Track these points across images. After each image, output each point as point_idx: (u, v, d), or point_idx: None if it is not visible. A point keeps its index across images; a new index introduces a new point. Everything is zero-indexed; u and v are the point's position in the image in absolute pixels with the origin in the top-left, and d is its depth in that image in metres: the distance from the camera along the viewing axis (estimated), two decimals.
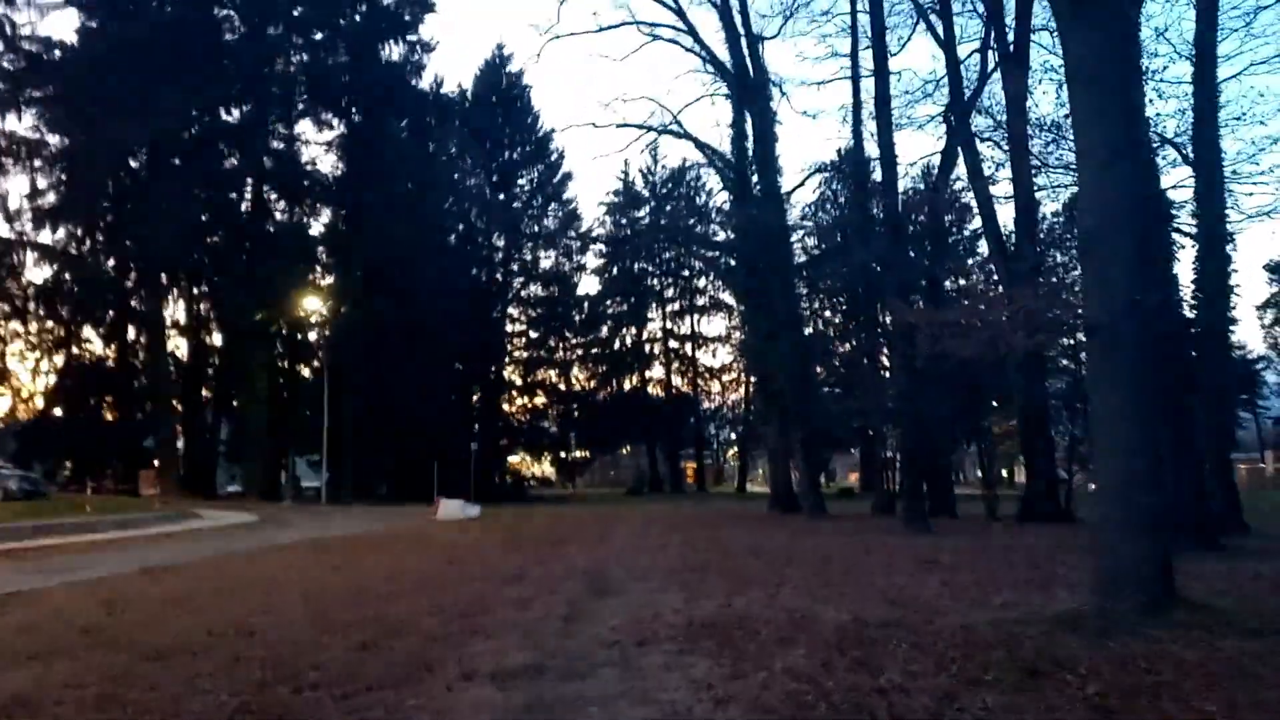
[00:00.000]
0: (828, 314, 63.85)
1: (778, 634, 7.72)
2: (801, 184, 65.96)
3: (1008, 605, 9.08)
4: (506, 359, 64.53)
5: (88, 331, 49.60)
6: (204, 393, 53.19)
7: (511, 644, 7.57)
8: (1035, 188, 22.22)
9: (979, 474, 57.07)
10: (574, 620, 8.81)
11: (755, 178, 30.88)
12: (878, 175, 26.72)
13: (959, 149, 25.80)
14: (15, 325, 47.20)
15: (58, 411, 48.37)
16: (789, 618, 8.54)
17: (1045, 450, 24.17)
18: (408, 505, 39.09)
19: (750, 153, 30.78)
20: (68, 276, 47.67)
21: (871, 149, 26.99)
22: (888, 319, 28.81)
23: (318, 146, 52.09)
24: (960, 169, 27.05)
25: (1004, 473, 61.80)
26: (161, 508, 32.33)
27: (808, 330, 38.49)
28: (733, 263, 52.30)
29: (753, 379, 65.66)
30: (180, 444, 50.28)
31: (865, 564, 13.63)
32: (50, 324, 48.18)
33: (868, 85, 26.05)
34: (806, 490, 28.91)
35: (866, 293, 32.35)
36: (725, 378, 72.82)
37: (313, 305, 47.83)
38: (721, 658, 6.89)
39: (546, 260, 66.10)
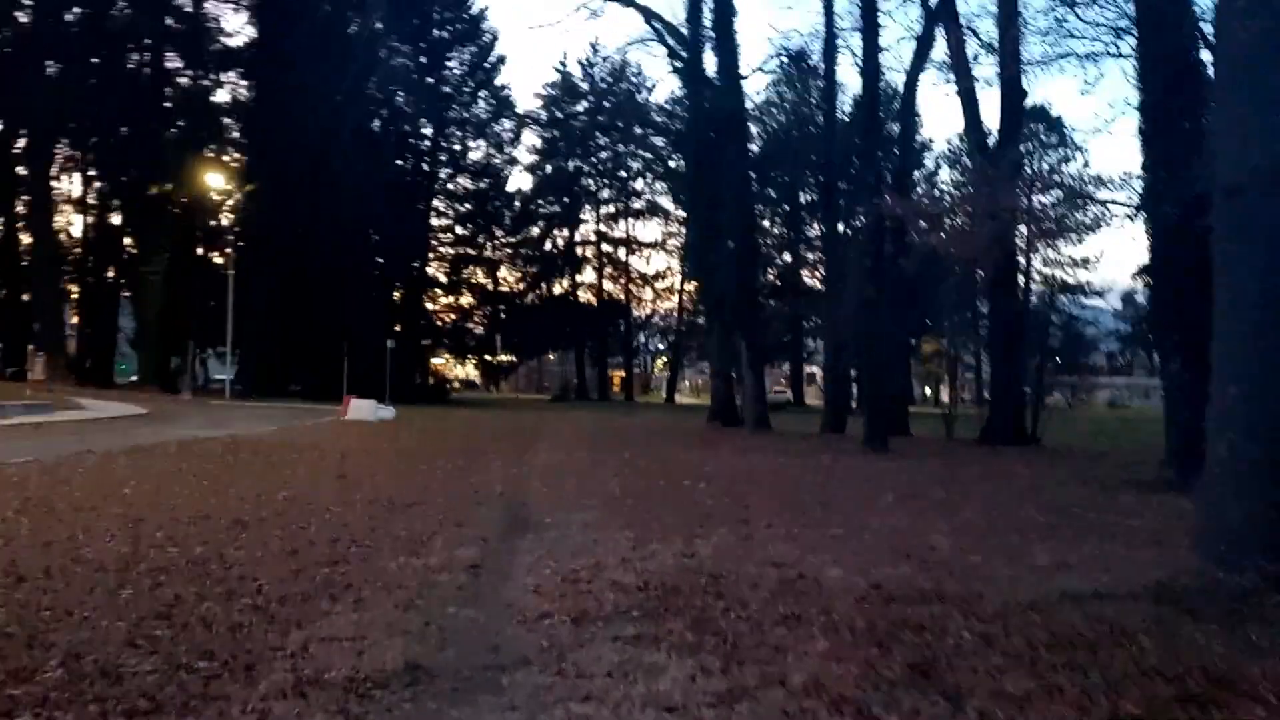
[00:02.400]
0: (766, 224, 61.83)
1: (774, 608, 5.39)
2: (761, 68, 62.10)
3: (1061, 568, 6.86)
4: (431, 255, 60.73)
5: None
6: (107, 275, 48.86)
7: (386, 618, 5.10)
8: (1022, 71, 19.91)
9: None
10: (482, 575, 6.39)
11: (712, 55, 27.80)
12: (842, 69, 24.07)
13: (937, 31, 23.14)
14: None
15: None
16: (779, 578, 6.24)
17: (1015, 370, 22.25)
18: (318, 404, 36.18)
19: (708, 23, 27.52)
20: None
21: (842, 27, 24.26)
22: (847, 223, 26.48)
23: (226, 7, 47.30)
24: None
25: (928, 391, 60.77)
26: (38, 396, 29.30)
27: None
28: (673, 162, 49.46)
29: (688, 286, 63.36)
30: (72, 329, 46.37)
31: (840, 494, 11.46)
32: None
33: None
34: (752, 403, 26.68)
35: (825, 194, 29.82)
36: (659, 285, 70.60)
37: (218, 185, 43.80)
38: (704, 652, 4.55)
39: (476, 151, 61.82)
